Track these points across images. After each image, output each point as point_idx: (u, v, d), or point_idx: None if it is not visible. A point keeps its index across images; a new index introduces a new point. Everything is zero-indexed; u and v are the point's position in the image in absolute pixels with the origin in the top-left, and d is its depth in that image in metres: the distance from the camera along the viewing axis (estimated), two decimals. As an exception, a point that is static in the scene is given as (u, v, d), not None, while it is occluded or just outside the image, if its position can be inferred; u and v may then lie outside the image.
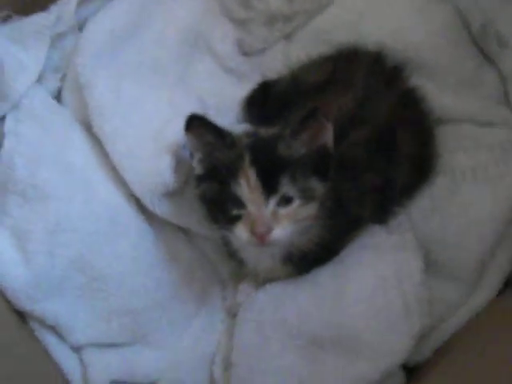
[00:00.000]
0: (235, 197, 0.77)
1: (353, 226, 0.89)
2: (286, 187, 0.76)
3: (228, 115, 1.02)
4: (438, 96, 1.02)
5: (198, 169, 0.83)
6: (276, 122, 0.90)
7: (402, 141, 0.91)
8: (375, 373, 0.83)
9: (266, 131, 0.83)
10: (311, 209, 0.79)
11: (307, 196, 0.78)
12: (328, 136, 0.78)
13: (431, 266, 0.92)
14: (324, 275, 0.88)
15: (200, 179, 0.83)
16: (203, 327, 0.94)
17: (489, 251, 0.91)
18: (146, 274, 0.91)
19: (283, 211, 0.77)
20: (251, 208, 0.77)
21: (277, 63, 1.07)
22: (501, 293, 0.94)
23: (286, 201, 0.77)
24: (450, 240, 0.92)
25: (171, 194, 0.90)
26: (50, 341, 0.88)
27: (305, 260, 0.87)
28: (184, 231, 0.96)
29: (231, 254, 0.91)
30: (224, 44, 1.05)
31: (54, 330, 0.88)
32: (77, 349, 0.89)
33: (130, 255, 0.90)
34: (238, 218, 0.78)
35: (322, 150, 0.79)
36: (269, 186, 0.76)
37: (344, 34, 1.06)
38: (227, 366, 0.88)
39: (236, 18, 1.04)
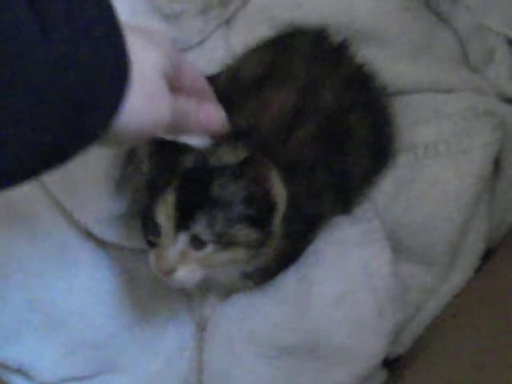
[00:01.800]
0: (154, 222, 0.70)
1: (312, 227, 0.84)
2: (200, 228, 0.68)
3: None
4: (393, 66, 0.95)
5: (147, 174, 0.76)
6: None
7: (354, 126, 0.85)
8: (352, 378, 0.80)
9: (216, 158, 0.73)
10: (231, 255, 0.71)
11: (225, 242, 0.69)
12: (271, 183, 0.70)
13: (402, 252, 0.88)
14: (287, 280, 0.83)
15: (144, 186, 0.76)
16: (174, 345, 0.90)
17: (458, 231, 0.86)
18: (106, 302, 0.87)
19: (194, 254, 0.69)
20: (163, 240, 0.70)
21: (218, 54, 1.00)
22: (478, 270, 0.90)
23: (200, 243, 0.69)
24: (417, 223, 0.87)
25: (117, 217, 0.86)
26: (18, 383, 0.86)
27: (265, 274, 0.81)
28: (143, 251, 0.91)
29: None
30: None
31: (19, 372, 0.86)
32: (47, 387, 0.87)
33: (86, 287, 0.86)
34: (153, 245, 0.72)
35: (263, 197, 0.70)
36: (182, 220, 0.68)
37: (286, 11, 0.98)
38: (201, 386, 0.85)
39: (168, 13, 0.96)
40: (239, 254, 0.71)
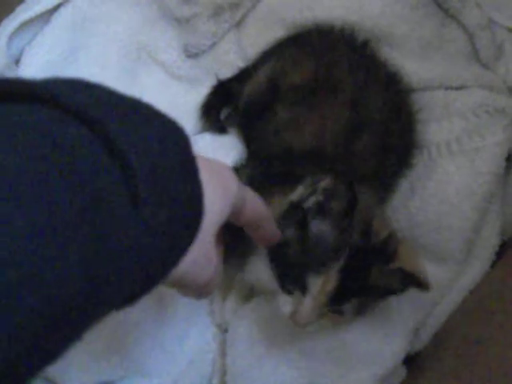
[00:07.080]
0: (303, 283, 0.71)
1: None
2: (348, 307, 0.73)
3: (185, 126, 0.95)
4: (403, 64, 0.95)
5: None
6: (247, 128, 0.89)
7: (394, 130, 0.86)
8: (374, 378, 0.81)
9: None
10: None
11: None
12: None
13: (418, 250, 0.89)
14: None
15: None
16: (196, 347, 0.91)
17: (473, 228, 0.87)
18: (128, 310, 0.88)
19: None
20: (306, 300, 0.71)
21: (230, 56, 0.99)
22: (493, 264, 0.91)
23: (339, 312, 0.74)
24: (432, 221, 0.88)
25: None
26: (45, 389, 0.87)
27: None
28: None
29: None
30: (168, 53, 0.97)
31: (46, 379, 0.87)
32: (73, 393, 0.88)
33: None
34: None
35: None
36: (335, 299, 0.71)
37: (295, 13, 0.99)
38: (225, 387, 0.87)
39: (179, 17, 0.96)
40: None
